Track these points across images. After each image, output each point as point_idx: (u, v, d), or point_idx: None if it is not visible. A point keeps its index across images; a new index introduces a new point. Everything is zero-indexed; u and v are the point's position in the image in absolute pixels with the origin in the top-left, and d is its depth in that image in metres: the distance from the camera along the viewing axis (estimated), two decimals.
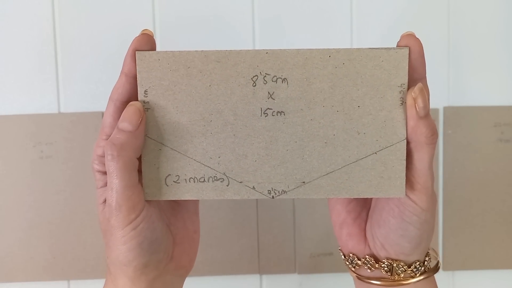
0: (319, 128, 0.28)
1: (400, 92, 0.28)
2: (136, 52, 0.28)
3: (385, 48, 0.28)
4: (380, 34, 0.56)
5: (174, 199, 0.30)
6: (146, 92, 0.29)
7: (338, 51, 0.27)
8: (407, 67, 0.28)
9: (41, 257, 0.55)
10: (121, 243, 0.28)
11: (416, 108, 0.27)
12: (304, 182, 0.28)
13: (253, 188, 0.29)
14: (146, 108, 0.29)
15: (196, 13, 0.55)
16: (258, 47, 0.56)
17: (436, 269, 0.33)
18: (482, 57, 0.57)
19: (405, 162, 0.28)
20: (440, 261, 0.56)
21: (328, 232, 0.56)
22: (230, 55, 0.27)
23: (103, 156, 0.29)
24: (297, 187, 0.29)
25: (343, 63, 0.27)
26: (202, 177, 0.29)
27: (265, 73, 0.27)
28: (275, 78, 0.27)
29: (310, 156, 0.28)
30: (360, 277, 0.33)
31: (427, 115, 0.27)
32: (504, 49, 0.57)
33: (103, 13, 0.55)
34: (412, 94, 0.27)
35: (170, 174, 0.29)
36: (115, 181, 0.27)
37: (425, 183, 0.28)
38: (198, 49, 0.28)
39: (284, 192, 0.29)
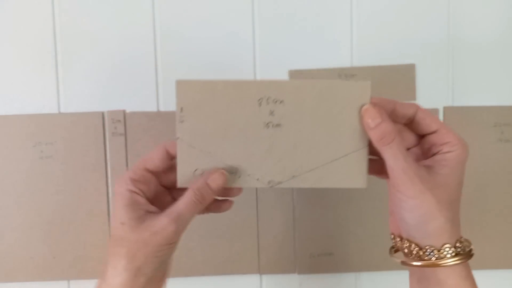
0: (306, 137, 0.38)
1: None
2: (177, 81, 0.37)
3: (355, 82, 0.37)
4: (380, 35, 0.56)
5: None
6: (182, 109, 0.37)
7: (321, 82, 0.37)
8: (369, 93, 0.37)
9: (41, 257, 0.55)
10: (153, 256, 0.35)
11: (365, 123, 0.36)
12: (294, 176, 0.38)
13: (257, 179, 0.39)
14: (181, 120, 0.38)
15: (196, 13, 0.55)
16: (258, 50, 0.56)
17: (469, 255, 0.36)
18: (482, 57, 0.57)
19: (366, 162, 0.38)
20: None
21: (328, 232, 0.56)
22: (243, 84, 0.37)
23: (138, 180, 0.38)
24: (289, 179, 0.38)
25: (325, 90, 0.37)
26: None
27: (268, 96, 0.37)
28: (275, 100, 0.37)
29: (300, 157, 0.38)
30: (402, 262, 0.37)
31: (377, 126, 0.35)
32: (504, 49, 0.57)
33: (103, 13, 0.55)
34: (362, 112, 0.36)
35: (197, 169, 0.38)
36: (188, 212, 0.37)
37: (400, 175, 0.34)
38: (219, 78, 0.38)
39: (280, 182, 0.38)
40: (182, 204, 0.36)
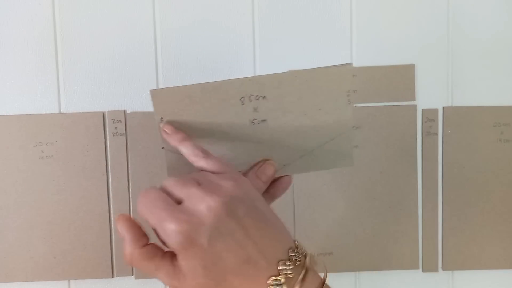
0: (292, 128, 0.38)
1: (347, 96, 0.37)
2: (150, 90, 0.36)
3: (335, 66, 0.36)
4: (380, 35, 0.56)
5: None
6: (162, 119, 0.36)
7: (301, 72, 0.36)
8: (351, 76, 0.37)
9: (41, 257, 0.55)
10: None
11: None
12: (285, 165, 0.39)
13: None
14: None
15: (197, 13, 0.55)
16: (258, 50, 0.56)
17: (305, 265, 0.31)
18: (482, 57, 0.57)
19: (352, 142, 0.39)
20: (440, 260, 0.56)
21: (328, 232, 0.56)
22: (222, 85, 0.36)
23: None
24: (281, 168, 0.39)
25: (306, 80, 0.36)
26: None
27: (250, 94, 0.36)
28: (257, 97, 0.36)
29: (288, 147, 0.38)
30: None
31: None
32: (504, 49, 0.57)
33: (103, 13, 0.55)
34: None
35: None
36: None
37: None
38: (198, 81, 0.36)
39: None
40: None
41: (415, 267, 0.57)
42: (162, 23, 0.55)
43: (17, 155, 0.54)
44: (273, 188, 0.39)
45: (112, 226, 0.55)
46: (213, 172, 0.33)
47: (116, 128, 0.55)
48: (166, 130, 0.36)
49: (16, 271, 0.55)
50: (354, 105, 0.56)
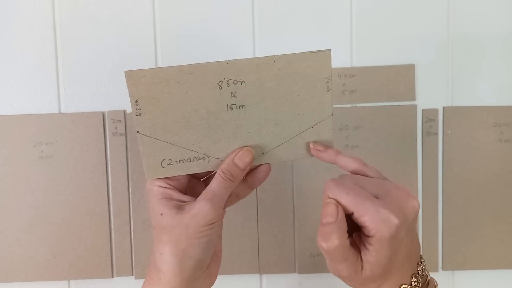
0: (271, 114, 0.37)
1: (326, 83, 0.37)
2: (125, 71, 0.35)
3: (314, 51, 0.35)
4: (380, 35, 0.56)
5: (169, 176, 0.38)
6: (137, 102, 0.35)
7: (280, 57, 0.35)
8: (330, 63, 0.36)
9: (41, 257, 0.55)
10: (195, 238, 0.35)
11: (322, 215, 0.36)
12: (263, 153, 0.39)
13: None
14: (139, 113, 0.36)
15: (197, 13, 0.55)
16: (258, 50, 0.56)
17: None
18: (482, 57, 0.57)
19: (331, 130, 0.38)
20: (440, 260, 0.56)
21: None
22: (199, 67, 0.35)
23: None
24: (259, 156, 0.39)
25: (284, 65, 0.36)
26: (188, 158, 0.38)
27: (228, 78, 0.35)
28: (235, 81, 0.36)
29: (266, 134, 0.38)
30: None
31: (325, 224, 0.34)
32: (504, 49, 0.57)
33: (103, 13, 0.55)
34: (323, 203, 0.36)
35: (164, 159, 0.37)
36: (221, 190, 0.37)
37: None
38: (178, 64, 0.36)
39: None
40: (214, 184, 0.37)
41: None
42: (162, 23, 0.55)
43: (17, 155, 0.54)
44: (251, 177, 0.40)
45: (112, 226, 0.55)
46: (374, 177, 0.37)
47: (116, 128, 0.55)
48: (319, 148, 0.38)
49: (16, 271, 0.55)
50: (356, 105, 0.56)
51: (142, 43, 0.55)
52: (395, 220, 0.32)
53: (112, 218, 0.55)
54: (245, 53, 0.55)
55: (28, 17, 0.55)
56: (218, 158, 0.38)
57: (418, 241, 0.37)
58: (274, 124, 0.37)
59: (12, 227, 0.55)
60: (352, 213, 0.33)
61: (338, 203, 0.34)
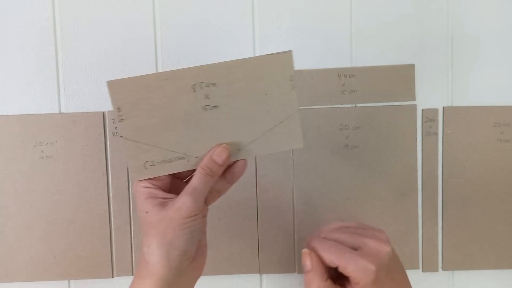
0: (242, 113, 0.40)
1: (290, 81, 0.39)
2: (107, 81, 0.37)
3: (278, 53, 0.39)
4: (380, 35, 0.56)
5: (152, 176, 0.40)
6: (119, 109, 0.38)
7: (246, 60, 0.38)
8: (293, 63, 0.39)
9: (41, 257, 0.55)
10: (180, 229, 0.38)
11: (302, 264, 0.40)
12: (239, 149, 0.41)
13: None
14: (121, 119, 0.38)
15: (197, 13, 0.55)
16: (258, 50, 0.56)
17: None
18: (482, 57, 0.57)
19: (300, 124, 0.40)
20: (440, 260, 0.57)
21: None
22: (174, 74, 0.38)
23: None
24: (236, 153, 0.41)
25: (251, 67, 0.39)
26: (170, 159, 0.40)
27: (200, 82, 0.38)
28: (208, 84, 0.39)
29: (240, 132, 0.40)
30: None
31: (306, 272, 0.40)
32: (504, 49, 0.57)
33: (103, 13, 0.55)
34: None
35: (147, 161, 0.40)
36: (201, 185, 0.39)
37: None
38: (158, 70, 0.40)
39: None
40: (194, 180, 0.39)
41: (415, 267, 0.57)
42: (162, 23, 0.55)
43: (17, 155, 0.54)
44: (229, 173, 0.42)
45: (112, 226, 0.55)
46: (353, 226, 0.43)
47: (116, 128, 0.55)
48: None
49: (16, 271, 0.55)
50: (356, 105, 0.56)
51: (142, 43, 0.55)
52: (372, 267, 0.37)
53: (112, 218, 0.55)
54: (245, 53, 0.55)
55: (28, 17, 0.55)
56: (197, 157, 0.40)
57: (404, 276, 0.42)
58: (247, 122, 0.40)
59: (12, 227, 0.55)
60: (337, 267, 0.38)
61: (322, 259, 0.39)
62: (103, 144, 0.55)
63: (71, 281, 0.56)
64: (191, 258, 0.40)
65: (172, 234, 0.38)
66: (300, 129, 0.41)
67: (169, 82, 0.38)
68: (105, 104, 0.55)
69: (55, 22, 0.55)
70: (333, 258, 0.39)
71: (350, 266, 0.38)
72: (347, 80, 0.56)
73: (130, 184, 0.55)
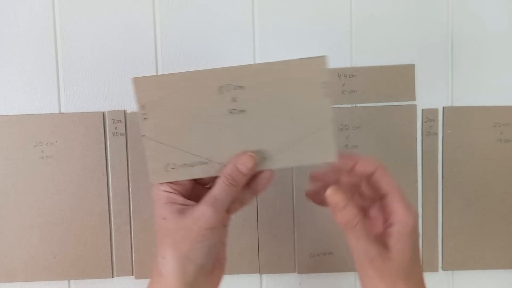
0: (271, 119, 0.37)
1: (323, 88, 0.37)
2: (133, 78, 0.36)
3: (310, 58, 0.36)
4: (380, 35, 0.56)
5: (173, 180, 0.38)
6: (143, 107, 0.37)
7: (277, 63, 0.37)
8: (326, 69, 0.36)
9: (41, 257, 0.55)
10: (197, 241, 0.36)
11: (330, 207, 0.38)
12: (265, 158, 0.38)
13: None
14: (145, 118, 0.37)
15: (197, 14, 0.55)
16: (258, 50, 0.56)
17: None
18: (482, 57, 0.57)
19: (333, 136, 0.38)
20: (440, 260, 0.57)
21: (328, 232, 0.56)
22: (201, 73, 0.36)
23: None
24: (261, 162, 0.38)
25: (281, 71, 0.37)
26: (191, 163, 0.38)
27: (228, 84, 0.36)
28: (235, 87, 0.37)
29: (267, 140, 0.38)
30: None
31: (340, 210, 0.37)
32: (504, 49, 0.57)
33: (103, 13, 0.55)
34: (326, 196, 0.37)
35: (168, 163, 0.38)
36: (223, 195, 0.37)
37: (361, 257, 0.38)
38: (180, 70, 0.37)
39: None
40: (216, 189, 0.37)
41: None
42: (162, 23, 0.55)
43: (17, 155, 0.54)
44: (254, 182, 0.39)
45: (112, 226, 0.55)
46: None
47: (116, 128, 0.55)
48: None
49: (16, 271, 0.55)
50: (356, 105, 0.56)
51: (142, 43, 0.55)
52: (413, 216, 0.36)
53: (112, 218, 0.55)
54: (245, 53, 0.55)
55: (28, 17, 0.55)
56: (220, 163, 0.38)
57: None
58: (274, 130, 0.38)
59: (12, 227, 0.55)
60: (385, 196, 0.38)
61: (386, 176, 0.38)
62: (103, 144, 0.55)
63: (71, 281, 0.56)
64: (208, 272, 0.38)
65: (189, 246, 0.36)
66: (334, 142, 0.38)
67: (195, 82, 0.36)
68: (105, 104, 0.55)
69: (55, 22, 0.55)
70: (385, 183, 0.38)
71: (396, 203, 0.36)
72: (347, 80, 0.56)
73: (130, 184, 0.55)
